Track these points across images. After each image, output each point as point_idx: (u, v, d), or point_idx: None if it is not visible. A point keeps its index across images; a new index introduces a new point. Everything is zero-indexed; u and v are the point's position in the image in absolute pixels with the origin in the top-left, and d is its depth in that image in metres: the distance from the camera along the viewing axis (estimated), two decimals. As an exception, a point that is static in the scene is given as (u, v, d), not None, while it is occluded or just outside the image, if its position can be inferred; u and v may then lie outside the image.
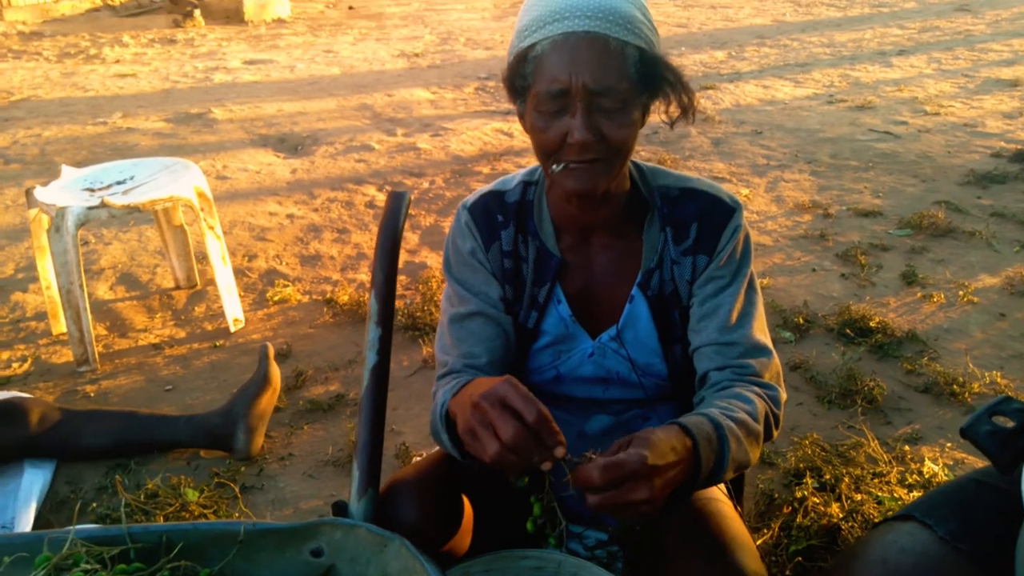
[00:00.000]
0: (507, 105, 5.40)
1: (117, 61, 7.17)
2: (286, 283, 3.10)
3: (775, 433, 1.16)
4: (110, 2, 9.73)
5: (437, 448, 1.33)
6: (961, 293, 2.89)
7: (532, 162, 1.23)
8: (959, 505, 0.86)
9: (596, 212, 1.21)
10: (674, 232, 1.23)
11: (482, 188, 1.31)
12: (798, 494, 1.85)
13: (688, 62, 6.81)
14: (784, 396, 1.20)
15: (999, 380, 2.36)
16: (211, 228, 2.68)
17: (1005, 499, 0.77)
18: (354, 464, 1.11)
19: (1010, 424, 0.82)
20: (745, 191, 3.95)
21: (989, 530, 0.81)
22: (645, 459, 0.87)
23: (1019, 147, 4.43)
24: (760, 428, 1.09)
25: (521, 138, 4.80)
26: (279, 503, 1.96)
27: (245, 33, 8.44)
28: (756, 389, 1.15)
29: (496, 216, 1.26)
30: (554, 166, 1.09)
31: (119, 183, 2.61)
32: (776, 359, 1.23)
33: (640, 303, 1.24)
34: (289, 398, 2.38)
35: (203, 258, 3.08)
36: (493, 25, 8.59)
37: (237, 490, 1.95)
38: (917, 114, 5.17)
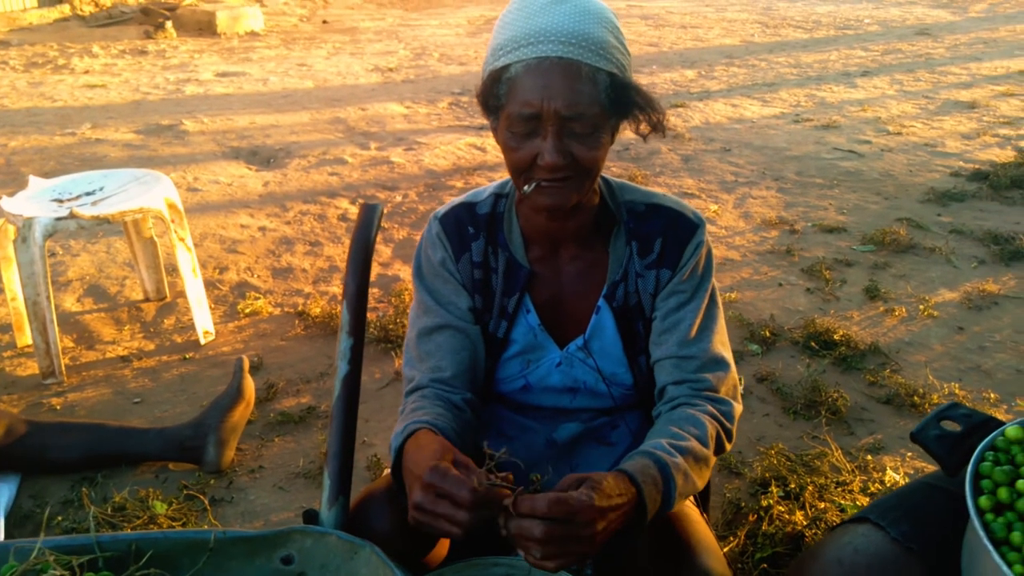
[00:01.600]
0: (481, 120, 5.45)
1: (86, 72, 7.10)
2: (257, 295, 3.09)
3: (728, 447, 1.21)
4: (79, 12, 9.63)
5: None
6: (922, 307, 2.97)
7: (505, 176, 1.26)
8: (911, 508, 0.90)
9: (565, 225, 1.23)
10: (639, 246, 1.26)
11: (454, 199, 1.34)
12: (764, 503, 1.89)
13: (659, 80, 6.92)
14: (739, 409, 1.24)
15: (957, 391, 2.43)
16: (182, 240, 2.67)
17: (954, 501, 0.80)
18: (325, 473, 1.12)
19: (957, 428, 0.86)
20: (714, 207, 4.02)
21: (939, 531, 0.85)
22: (592, 500, 0.91)
23: (977, 167, 4.57)
24: (709, 452, 1.14)
25: (494, 153, 4.84)
26: (249, 515, 1.94)
27: (218, 45, 8.41)
28: (709, 408, 1.19)
29: (467, 227, 1.28)
30: (526, 187, 1.12)
31: (88, 194, 2.59)
32: (733, 372, 1.26)
33: (606, 314, 1.27)
34: (260, 410, 2.37)
35: (173, 270, 3.06)
36: (467, 41, 8.66)
37: (207, 502, 1.93)
38: (880, 134, 5.32)
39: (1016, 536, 0.71)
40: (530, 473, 0.98)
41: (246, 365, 2.21)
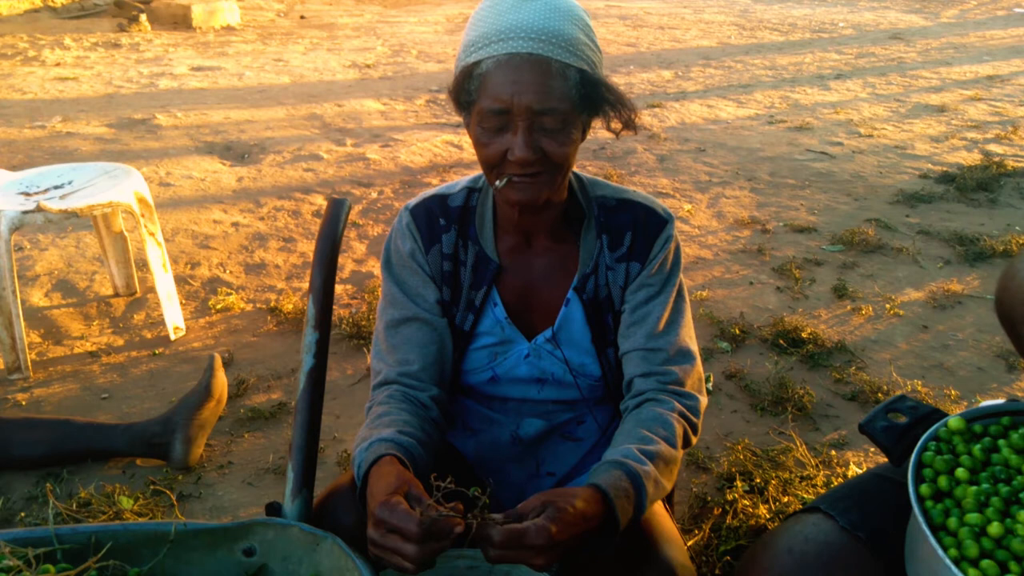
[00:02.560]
0: (458, 118, 5.44)
1: (57, 64, 6.99)
2: (229, 291, 3.07)
3: (693, 440, 1.23)
4: (51, 3, 9.47)
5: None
6: (888, 306, 3.03)
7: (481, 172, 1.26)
8: (860, 497, 0.93)
9: (536, 218, 1.25)
10: (610, 239, 1.28)
11: (426, 191, 1.35)
12: (729, 497, 1.92)
13: (636, 80, 6.96)
14: (704, 402, 1.26)
15: (920, 388, 2.48)
16: (152, 234, 2.65)
17: (901, 491, 0.82)
18: (288, 466, 1.12)
19: (903, 420, 0.89)
20: (687, 207, 4.06)
21: (885, 519, 0.88)
22: (550, 535, 0.91)
23: (945, 169, 4.66)
24: (677, 452, 1.17)
25: (471, 151, 4.85)
26: (217, 511, 1.94)
27: (193, 39, 8.32)
28: (676, 406, 1.21)
29: (438, 219, 1.29)
30: (497, 181, 1.13)
31: (56, 187, 2.56)
32: (699, 365, 1.28)
33: (575, 306, 1.28)
34: (230, 406, 2.36)
35: (143, 265, 3.03)
36: (445, 39, 8.65)
37: (174, 498, 1.93)
38: (852, 136, 5.39)
39: (953, 522, 0.74)
40: (470, 488, 0.97)
41: (218, 362, 2.19)
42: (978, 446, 0.81)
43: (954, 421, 0.85)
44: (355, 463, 1.11)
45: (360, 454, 1.11)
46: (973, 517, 0.73)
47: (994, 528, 0.72)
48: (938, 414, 0.90)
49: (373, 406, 1.23)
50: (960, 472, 0.79)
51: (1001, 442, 0.82)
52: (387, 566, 0.95)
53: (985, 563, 0.69)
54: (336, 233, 1.27)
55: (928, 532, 0.72)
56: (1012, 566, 0.69)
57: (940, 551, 0.69)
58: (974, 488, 0.76)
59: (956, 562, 0.70)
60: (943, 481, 0.78)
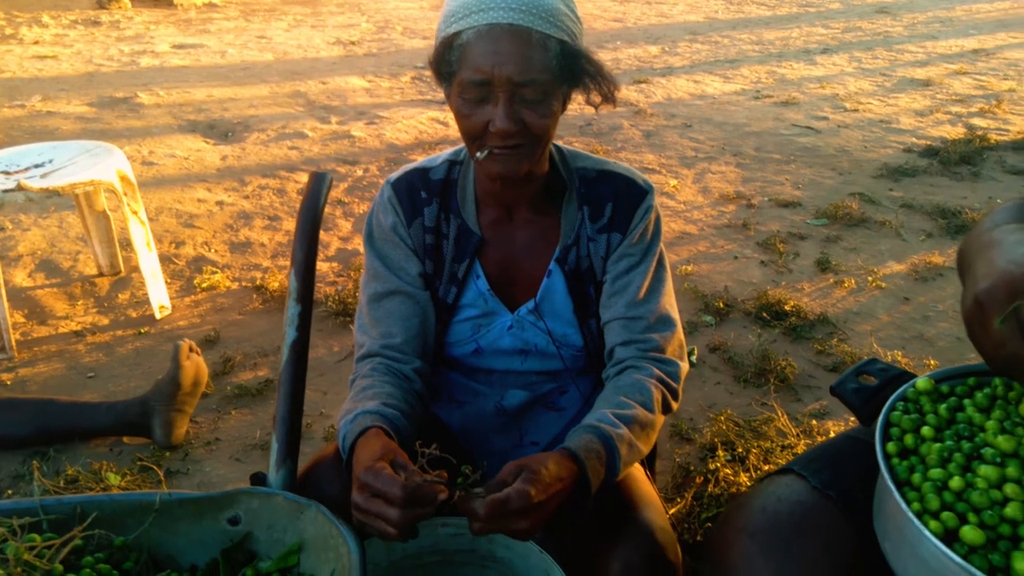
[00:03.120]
0: (444, 95, 5.41)
1: (36, 42, 6.87)
2: (215, 270, 3.06)
3: (674, 406, 1.25)
4: (29, -20, 9.28)
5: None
6: (870, 279, 3.06)
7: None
8: (832, 458, 0.95)
9: (518, 191, 1.25)
10: (591, 211, 1.28)
11: (408, 165, 1.35)
12: (711, 466, 1.95)
13: (623, 56, 6.93)
14: (685, 368, 1.28)
15: (900, 359, 2.51)
16: (135, 213, 2.63)
17: (871, 451, 0.84)
18: (273, 437, 1.13)
19: (874, 382, 0.91)
20: (673, 182, 4.07)
21: (856, 478, 0.90)
22: (530, 497, 0.93)
23: (929, 143, 4.68)
24: (655, 416, 1.18)
25: (457, 128, 4.82)
26: (205, 486, 1.95)
27: (174, 17, 8.19)
28: (655, 371, 1.23)
29: (420, 192, 1.29)
30: (478, 153, 1.13)
31: (37, 166, 2.53)
32: (680, 332, 1.30)
33: (557, 277, 1.29)
34: (217, 384, 2.37)
35: (127, 244, 3.01)
36: (431, 14, 8.56)
37: (161, 474, 1.94)
38: (837, 110, 5.41)
39: (916, 477, 0.76)
40: (462, 466, 1.00)
41: (183, 352, 2.09)
42: (944, 405, 0.84)
43: (922, 382, 0.87)
44: (340, 435, 1.13)
45: (345, 426, 1.12)
46: (936, 472, 0.75)
47: (955, 482, 0.74)
48: (907, 376, 0.92)
49: (356, 379, 1.24)
50: (925, 430, 0.81)
51: (967, 401, 0.84)
52: (371, 533, 0.96)
53: (945, 515, 0.71)
54: (317, 207, 1.27)
55: (893, 487, 0.74)
56: (971, 517, 0.71)
57: (903, 504, 0.72)
58: (938, 445, 0.78)
59: (918, 515, 0.72)
60: (909, 439, 0.81)
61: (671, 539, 1.13)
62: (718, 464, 1.95)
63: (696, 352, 2.55)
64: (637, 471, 1.31)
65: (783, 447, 2.05)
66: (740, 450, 2.02)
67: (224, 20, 8.14)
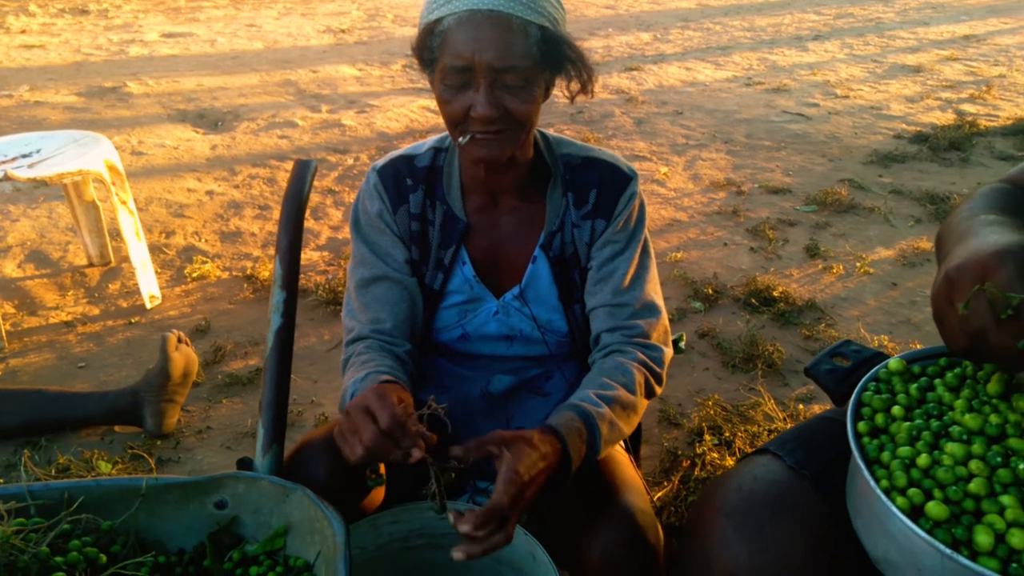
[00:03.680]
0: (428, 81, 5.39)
1: (23, 31, 6.82)
2: (205, 259, 3.06)
3: (658, 390, 1.27)
4: (15, -31, 9.19)
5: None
6: (858, 265, 3.08)
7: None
8: (807, 438, 0.97)
9: (502, 177, 1.26)
10: (575, 197, 1.29)
11: (394, 152, 1.35)
12: (698, 450, 1.97)
13: (614, 43, 6.92)
14: (669, 353, 1.29)
15: (887, 343, 2.54)
16: (124, 203, 2.63)
17: (845, 432, 0.86)
18: (259, 422, 1.14)
19: (847, 364, 0.93)
20: (664, 169, 4.08)
21: (830, 458, 0.92)
22: (516, 481, 0.94)
23: (919, 129, 4.70)
24: (637, 398, 1.20)
25: (447, 116, 4.82)
26: (196, 474, 1.93)
27: (163, 5, 8.14)
28: (639, 355, 1.24)
29: (405, 179, 1.30)
30: (461, 138, 1.14)
31: (24, 156, 2.52)
32: (664, 318, 1.31)
33: (542, 263, 1.31)
34: (208, 373, 2.38)
35: (117, 234, 3.01)
36: (422, 1, 8.52)
37: (152, 463, 1.95)
38: (828, 97, 5.41)
39: (886, 455, 0.77)
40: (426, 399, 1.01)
41: (171, 343, 2.08)
42: (915, 385, 0.85)
43: (894, 362, 0.88)
44: (348, 394, 1.15)
45: (354, 385, 1.15)
46: (904, 450, 0.77)
47: (922, 459, 0.75)
48: (880, 357, 0.94)
49: (351, 357, 1.26)
50: (896, 410, 0.82)
51: (937, 381, 0.86)
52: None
53: (912, 491, 0.73)
54: (302, 194, 1.28)
55: (862, 465, 0.76)
56: (936, 493, 0.73)
57: (872, 481, 0.73)
58: (907, 424, 0.80)
59: (887, 492, 0.74)
60: (880, 419, 0.82)
61: (652, 522, 1.15)
62: (705, 448, 1.97)
63: (685, 338, 2.56)
64: (620, 455, 1.33)
65: (770, 431, 2.08)
66: (727, 434, 2.04)
67: (214, 8, 8.09)
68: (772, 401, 2.20)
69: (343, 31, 7.20)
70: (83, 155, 2.50)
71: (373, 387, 0.99)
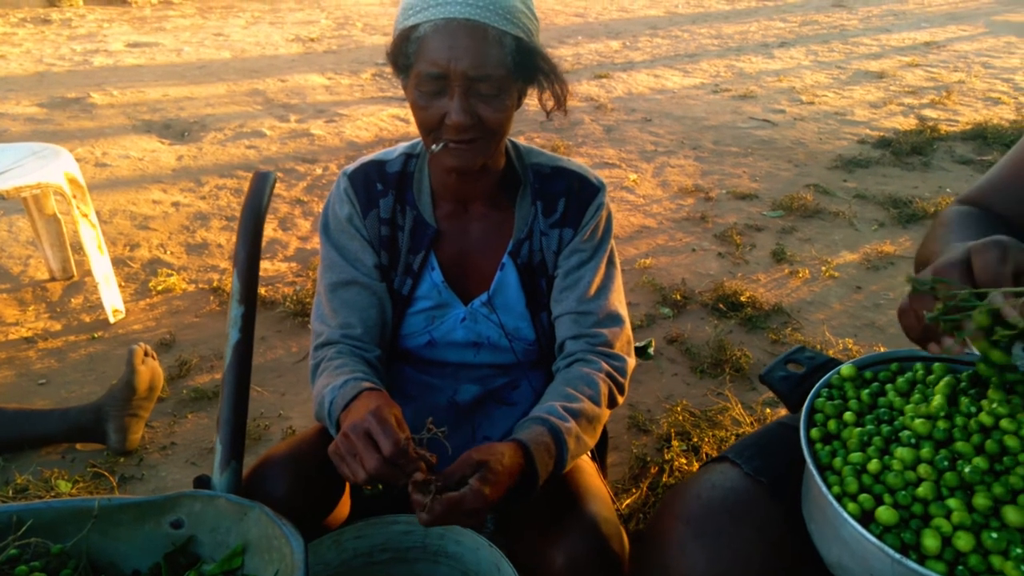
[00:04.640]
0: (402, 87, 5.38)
1: (-16, 41, 6.69)
2: (170, 272, 3.02)
3: (620, 400, 1.28)
4: (-24, -22, 9.02)
5: (314, 424, 1.36)
6: (824, 269, 3.12)
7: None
8: (764, 445, 0.97)
9: (473, 185, 1.27)
10: (544, 206, 1.30)
11: (364, 157, 1.35)
12: (667, 456, 1.98)
13: (584, 51, 6.96)
14: (632, 363, 1.30)
15: (851, 346, 2.57)
16: (85, 216, 2.59)
17: (800, 438, 0.87)
18: (216, 438, 1.13)
19: (801, 370, 0.94)
20: (633, 176, 4.11)
21: (786, 465, 0.92)
22: (485, 497, 0.97)
23: (882, 134, 4.79)
24: (601, 410, 1.22)
25: (417, 125, 4.80)
26: (160, 492, 1.92)
27: (128, 14, 8.03)
28: (603, 366, 1.26)
29: (376, 184, 1.30)
30: (434, 146, 1.14)
31: (-19, 169, 2.47)
32: (628, 328, 1.32)
33: (510, 271, 1.31)
34: (172, 387, 2.34)
35: (79, 248, 2.95)
36: (392, 10, 8.50)
37: (114, 481, 1.91)
38: (794, 103, 5.49)
39: (838, 461, 0.78)
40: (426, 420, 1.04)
41: (138, 356, 2.06)
42: (867, 391, 0.86)
43: (846, 368, 0.89)
44: (326, 401, 1.15)
45: (332, 392, 1.14)
46: (855, 456, 0.78)
47: (873, 465, 0.76)
48: (833, 363, 0.95)
49: (323, 361, 1.25)
50: (847, 415, 0.83)
51: (888, 386, 0.87)
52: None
53: (863, 497, 0.74)
54: (260, 206, 1.27)
55: (815, 471, 0.76)
56: (886, 498, 0.74)
57: (824, 487, 0.74)
58: (859, 429, 0.81)
59: (838, 498, 0.74)
60: (832, 424, 0.83)
61: (616, 531, 1.15)
62: (673, 454, 1.98)
63: (653, 344, 2.58)
64: (585, 463, 1.33)
65: (737, 435, 2.09)
66: (695, 440, 2.06)
67: (180, 18, 8.00)
68: (739, 406, 2.22)
69: (312, 40, 7.17)
70: (42, 168, 2.46)
71: (371, 409, 1.00)
